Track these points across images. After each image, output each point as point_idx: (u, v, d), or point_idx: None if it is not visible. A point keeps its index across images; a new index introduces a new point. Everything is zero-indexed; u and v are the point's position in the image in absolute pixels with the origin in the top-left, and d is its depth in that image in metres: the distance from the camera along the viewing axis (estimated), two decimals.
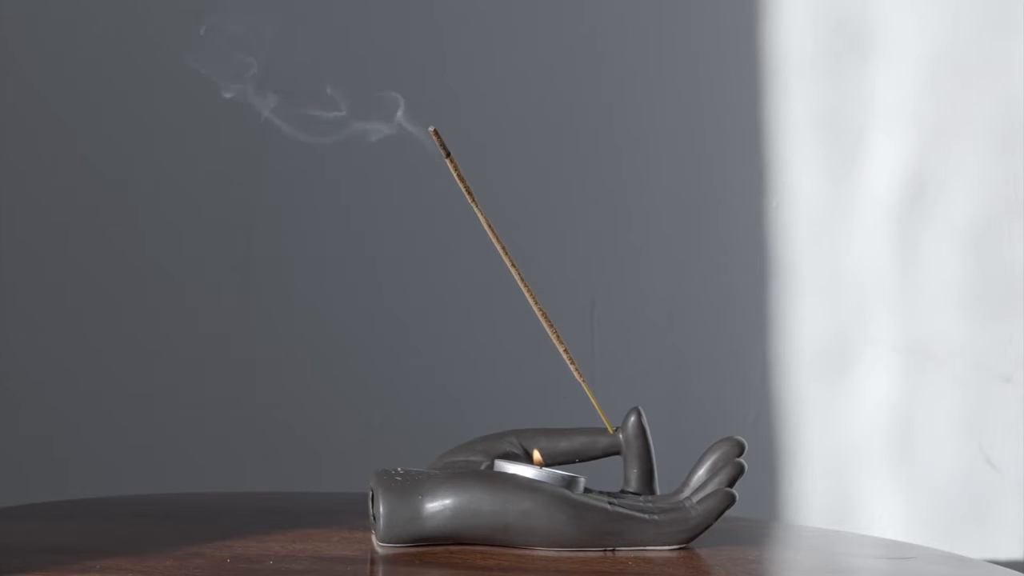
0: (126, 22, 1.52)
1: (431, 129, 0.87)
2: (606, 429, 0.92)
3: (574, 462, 0.92)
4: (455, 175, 0.89)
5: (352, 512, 0.93)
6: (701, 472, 0.90)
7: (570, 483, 0.88)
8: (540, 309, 0.91)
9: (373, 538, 0.87)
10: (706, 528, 0.88)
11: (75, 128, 1.52)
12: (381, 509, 0.85)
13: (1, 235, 1.51)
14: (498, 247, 0.90)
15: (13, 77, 1.50)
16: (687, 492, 0.90)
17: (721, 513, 0.88)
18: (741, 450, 0.90)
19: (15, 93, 1.50)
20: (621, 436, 0.92)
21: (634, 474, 0.91)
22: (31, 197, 1.51)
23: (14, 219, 1.51)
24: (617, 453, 0.92)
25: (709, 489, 0.89)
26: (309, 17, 1.53)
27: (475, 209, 0.89)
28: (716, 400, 1.59)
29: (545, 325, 0.91)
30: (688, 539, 0.88)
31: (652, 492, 0.91)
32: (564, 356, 0.92)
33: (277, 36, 1.48)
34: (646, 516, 0.87)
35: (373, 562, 0.83)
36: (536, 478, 0.87)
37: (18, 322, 1.51)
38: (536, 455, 0.91)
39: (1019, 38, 1.59)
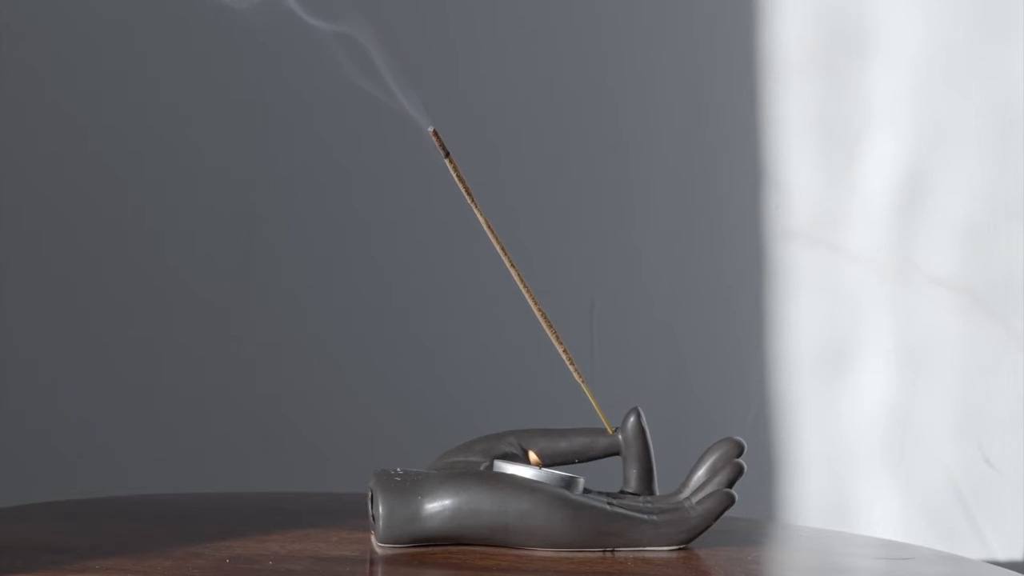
0: (132, 19, 1.52)
1: (430, 129, 0.87)
2: (605, 429, 0.92)
3: (573, 462, 0.92)
4: (454, 175, 0.89)
5: (351, 512, 0.93)
6: (700, 472, 0.90)
7: (569, 483, 0.88)
8: (540, 309, 0.91)
9: (372, 538, 0.87)
10: (705, 529, 0.88)
11: (84, 126, 1.52)
12: (380, 509, 0.85)
13: (6, 230, 1.51)
14: (498, 247, 0.90)
15: (21, 75, 1.50)
16: (686, 492, 0.90)
17: (720, 514, 0.88)
18: (740, 450, 0.90)
19: (23, 90, 1.50)
20: (620, 436, 0.92)
21: (633, 474, 0.91)
22: (36, 194, 1.51)
23: (20, 215, 1.51)
24: (617, 453, 0.92)
25: (708, 490, 0.89)
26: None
27: (475, 209, 0.89)
28: (715, 401, 1.59)
29: (545, 325, 0.91)
30: (687, 540, 0.88)
31: (651, 492, 0.91)
32: (564, 356, 0.92)
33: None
34: (645, 516, 0.87)
35: (372, 562, 0.83)
36: (535, 478, 0.87)
37: (19, 319, 1.51)
38: (532, 456, 0.91)
39: (1017, 39, 1.59)
